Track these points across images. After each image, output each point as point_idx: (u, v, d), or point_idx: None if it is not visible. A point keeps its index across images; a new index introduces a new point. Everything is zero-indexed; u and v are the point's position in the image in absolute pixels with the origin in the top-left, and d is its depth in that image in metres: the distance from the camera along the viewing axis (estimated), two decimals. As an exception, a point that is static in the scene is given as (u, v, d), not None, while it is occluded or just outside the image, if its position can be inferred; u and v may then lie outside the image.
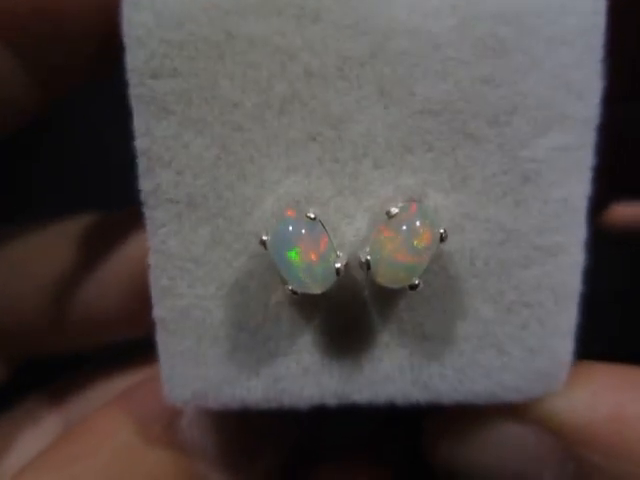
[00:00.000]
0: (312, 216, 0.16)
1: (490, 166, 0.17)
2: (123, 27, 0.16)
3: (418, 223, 0.16)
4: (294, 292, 0.16)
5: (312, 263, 0.16)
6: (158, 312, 0.17)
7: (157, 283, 0.17)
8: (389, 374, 0.18)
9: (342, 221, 0.17)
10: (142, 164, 0.16)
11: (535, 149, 0.17)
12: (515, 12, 0.16)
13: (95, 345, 0.23)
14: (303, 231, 0.16)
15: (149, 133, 0.16)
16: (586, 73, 0.16)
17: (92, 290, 0.22)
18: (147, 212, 0.17)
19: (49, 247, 0.23)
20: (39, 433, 0.21)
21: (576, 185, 0.17)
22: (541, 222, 0.17)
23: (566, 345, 0.18)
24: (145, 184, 0.17)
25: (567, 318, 0.18)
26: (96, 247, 0.22)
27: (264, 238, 0.16)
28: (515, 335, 0.18)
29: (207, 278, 0.17)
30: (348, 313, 0.18)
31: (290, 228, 0.15)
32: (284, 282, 0.16)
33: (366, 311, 0.18)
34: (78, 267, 0.22)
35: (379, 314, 0.18)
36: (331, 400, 0.18)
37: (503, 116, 0.16)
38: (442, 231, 0.16)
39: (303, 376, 0.18)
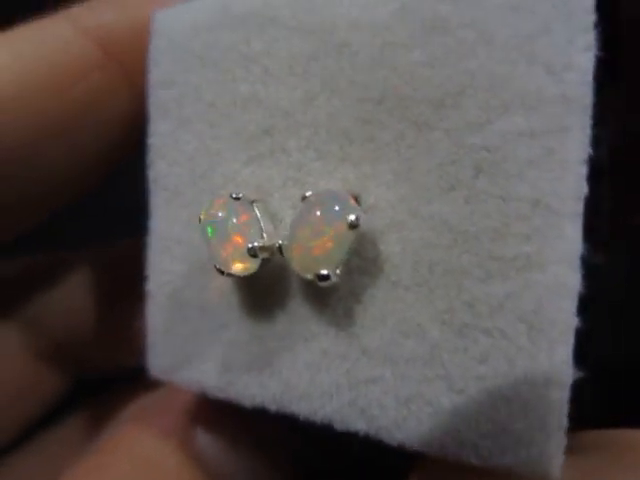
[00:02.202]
0: (236, 196, 0.13)
1: (436, 156, 0.11)
2: (149, 53, 0.16)
3: (319, 212, 0.11)
4: (220, 271, 0.13)
5: (231, 243, 0.12)
6: (148, 285, 0.16)
7: (150, 259, 0.16)
8: (326, 390, 0.13)
9: (286, 211, 0.13)
10: (149, 157, 0.16)
11: (488, 135, 0.11)
12: None
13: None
14: (224, 210, 0.12)
15: (155, 132, 0.16)
16: (558, 42, 0.10)
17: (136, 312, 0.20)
18: (150, 197, 0.16)
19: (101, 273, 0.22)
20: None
21: (551, 182, 0.11)
22: (500, 225, 0.11)
23: (551, 402, 0.10)
24: (150, 174, 0.16)
25: (550, 362, 0.10)
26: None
27: (201, 216, 0.13)
28: (470, 369, 0.11)
29: (183, 257, 0.15)
30: (286, 307, 0.13)
31: (215, 210, 0.13)
32: (213, 261, 0.13)
33: (303, 309, 0.13)
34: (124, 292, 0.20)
35: (317, 314, 0.13)
36: (271, 405, 0.13)
37: (449, 99, 0.11)
38: (352, 218, 0.11)
39: (246, 372, 0.14)
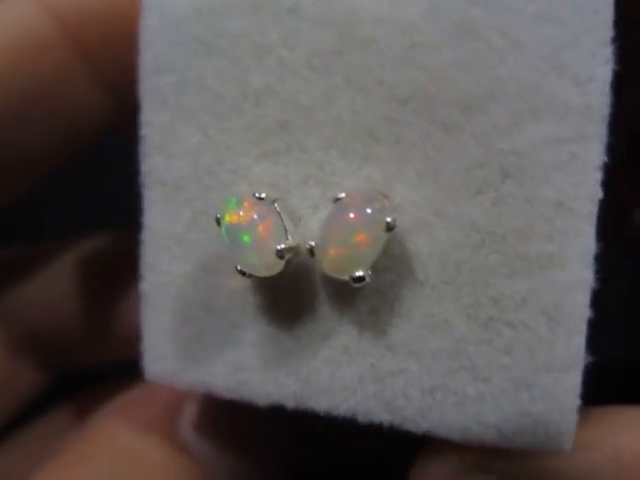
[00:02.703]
0: (261, 196, 0.12)
1: (463, 158, 0.12)
2: (140, 33, 0.14)
3: (353, 214, 0.11)
4: (242, 273, 0.12)
5: (257, 243, 0.12)
6: (143, 286, 0.14)
7: (144, 259, 0.15)
8: (348, 383, 0.13)
9: (306, 210, 0.13)
10: (143, 149, 0.14)
11: (516, 140, 0.11)
12: None
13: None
14: (252, 212, 0.12)
15: (150, 122, 0.14)
16: (584, 55, 0.11)
17: (124, 305, 0.19)
18: (144, 192, 0.14)
19: (82, 263, 0.21)
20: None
21: (574, 186, 0.11)
22: (526, 226, 0.11)
23: (567, 386, 0.11)
24: (144, 167, 0.14)
25: (567, 350, 0.11)
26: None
27: (218, 216, 0.12)
28: (495, 360, 0.12)
29: (184, 257, 0.14)
30: (306, 307, 0.13)
31: (238, 209, 0.12)
32: (234, 262, 0.12)
33: (324, 308, 0.13)
34: (111, 282, 0.19)
35: (339, 313, 0.13)
36: (289, 402, 0.13)
37: (477, 103, 0.11)
38: (389, 220, 0.11)
39: (262, 370, 0.13)
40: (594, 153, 0.12)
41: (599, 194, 0.12)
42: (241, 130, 0.14)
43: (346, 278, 0.12)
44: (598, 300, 0.13)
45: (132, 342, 0.16)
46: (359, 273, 0.12)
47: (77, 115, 0.17)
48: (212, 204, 0.14)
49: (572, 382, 0.12)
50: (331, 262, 0.12)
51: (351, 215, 0.12)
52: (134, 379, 0.17)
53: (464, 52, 0.12)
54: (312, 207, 0.13)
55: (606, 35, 0.11)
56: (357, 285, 0.12)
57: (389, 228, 0.12)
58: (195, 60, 0.14)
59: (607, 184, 0.12)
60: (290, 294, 0.14)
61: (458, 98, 0.12)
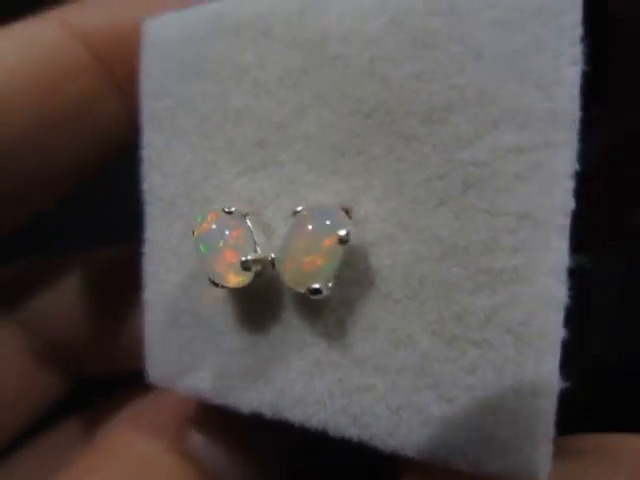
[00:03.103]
0: (228, 210, 0.13)
1: (425, 170, 0.12)
2: (141, 63, 0.16)
3: (310, 226, 0.11)
4: (214, 283, 0.13)
5: (222, 255, 0.13)
6: (145, 294, 0.16)
7: (146, 269, 0.16)
8: (319, 396, 0.13)
9: (278, 223, 0.13)
10: (144, 168, 0.16)
11: (477, 150, 0.11)
12: (445, 2, 0.11)
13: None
14: (217, 226, 0.13)
15: (149, 143, 0.16)
16: (547, 58, 0.10)
17: (133, 316, 0.20)
18: (145, 208, 0.16)
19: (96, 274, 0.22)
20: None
21: (539, 196, 0.11)
22: (488, 238, 0.11)
23: (538, 411, 0.11)
24: (145, 184, 0.16)
25: (537, 373, 0.11)
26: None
27: (193, 229, 0.13)
28: (459, 379, 0.11)
29: (177, 268, 0.15)
30: (279, 318, 0.14)
31: (205, 222, 0.13)
32: (207, 273, 0.13)
33: (296, 319, 0.13)
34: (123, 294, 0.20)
35: (310, 326, 0.13)
36: (266, 411, 0.14)
37: (437, 114, 0.11)
38: (342, 233, 0.11)
39: (243, 378, 0.14)
40: (562, 161, 0.11)
41: (570, 205, 0.11)
42: (224, 148, 0.15)
43: (304, 290, 0.12)
44: (593, 302, 0.12)
45: (140, 353, 0.16)
46: (315, 285, 0.12)
47: (102, 136, 0.18)
48: (199, 218, 0.15)
49: (543, 407, 0.11)
50: (289, 274, 0.12)
51: (306, 228, 0.12)
52: (146, 388, 0.18)
53: (424, 63, 0.12)
54: (283, 220, 0.14)
55: (573, 35, 0.11)
56: (315, 297, 0.12)
57: (342, 241, 0.12)
58: (186, 84, 0.15)
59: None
60: (264, 304, 0.14)
61: (418, 110, 0.12)
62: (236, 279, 0.13)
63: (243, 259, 0.13)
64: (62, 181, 0.18)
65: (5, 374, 0.21)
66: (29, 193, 0.18)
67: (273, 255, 0.13)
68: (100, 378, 0.23)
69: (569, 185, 0.11)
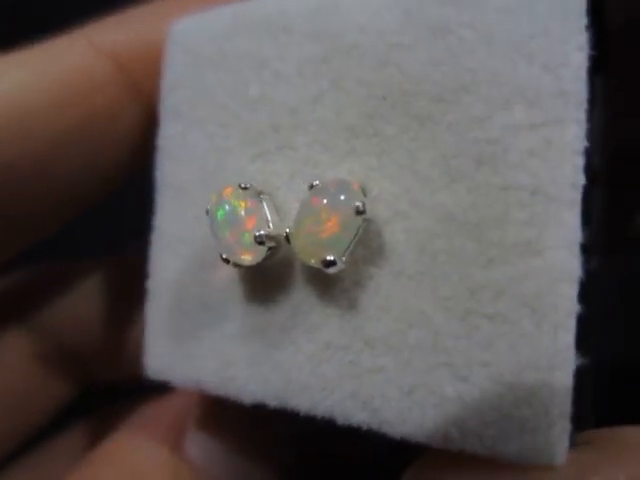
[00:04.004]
0: (244, 186, 0.13)
1: (438, 148, 0.12)
2: (164, 58, 0.16)
3: (326, 199, 0.12)
4: (226, 261, 0.13)
5: (237, 230, 0.13)
6: (149, 283, 0.16)
7: (152, 257, 0.16)
8: (328, 383, 0.13)
9: (292, 204, 0.14)
10: (157, 158, 0.16)
11: (489, 128, 0.12)
12: None
13: None
14: (233, 200, 0.13)
15: (165, 134, 0.16)
16: (554, 43, 0.11)
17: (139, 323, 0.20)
18: (156, 197, 0.16)
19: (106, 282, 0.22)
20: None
21: (550, 171, 0.11)
22: (501, 213, 0.11)
23: (556, 387, 0.11)
24: (157, 173, 0.16)
25: (554, 347, 0.11)
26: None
27: (208, 207, 0.13)
28: (474, 356, 0.11)
29: (185, 255, 0.15)
30: (289, 299, 0.14)
31: (221, 197, 0.13)
32: (219, 250, 0.13)
33: (307, 300, 0.13)
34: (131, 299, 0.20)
35: (321, 307, 0.13)
36: (271, 400, 0.13)
37: (450, 95, 0.12)
38: (358, 204, 0.11)
39: (249, 364, 0.14)
40: (571, 138, 0.11)
41: (581, 180, 0.11)
42: (239, 135, 0.15)
43: (317, 263, 0.12)
44: (597, 301, 0.12)
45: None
46: (330, 257, 0.12)
47: (126, 148, 0.19)
48: (211, 203, 0.15)
49: (561, 382, 0.11)
50: (303, 247, 0.13)
51: (321, 200, 0.12)
52: (153, 395, 0.18)
53: (437, 49, 0.13)
54: (297, 201, 0.14)
55: (579, 23, 0.12)
56: (330, 270, 0.12)
57: (358, 212, 0.12)
58: (206, 77, 0.16)
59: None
60: (274, 286, 0.14)
61: (432, 91, 0.13)
62: (249, 256, 0.13)
63: (257, 234, 0.13)
64: (87, 193, 0.18)
65: (13, 378, 0.21)
66: (56, 204, 0.18)
67: (288, 230, 0.13)
68: (108, 384, 0.22)
69: (579, 161, 0.11)
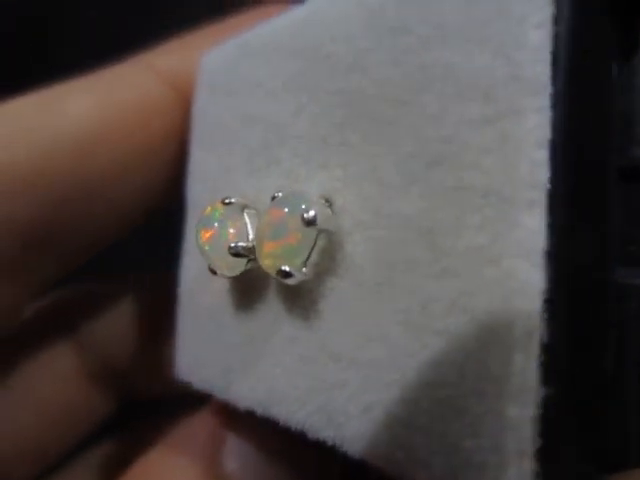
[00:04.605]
0: (231, 201, 0.14)
1: (398, 153, 0.12)
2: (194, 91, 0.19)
3: (284, 209, 0.12)
4: (213, 272, 0.15)
5: (216, 242, 0.14)
6: (179, 288, 0.18)
7: (181, 267, 0.18)
8: (300, 394, 0.13)
9: (275, 218, 0.15)
10: (187, 180, 0.18)
11: (443, 126, 0.11)
12: None
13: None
14: (217, 217, 0.14)
15: (192, 158, 0.18)
16: (510, 24, 0.10)
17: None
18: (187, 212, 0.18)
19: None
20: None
21: (504, 168, 0.10)
22: (453, 218, 0.11)
23: (510, 420, 0.10)
24: (187, 193, 0.18)
25: (504, 371, 0.10)
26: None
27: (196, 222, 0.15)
28: (423, 376, 0.11)
29: (198, 265, 0.17)
30: (270, 310, 0.14)
31: (207, 215, 0.14)
32: (206, 261, 0.15)
33: (283, 312, 0.14)
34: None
35: (294, 320, 0.14)
36: (257, 408, 0.14)
37: (407, 95, 0.12)
38: (311, 214, 0.12)
39: (242, 374, 0.15)
40: (530, 129, 0.10)
41: (542, 178, 0.10)
42: (239, 153, 0.16)
43: (275, 274, 0.13)
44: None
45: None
46: (285, 267, 0.12)
47: (177, 173, 0.20)
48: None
49: (515, 415, 0.10)
50: (263, 257, 0.13)
51: (278, 212, 0.13)
52: (191, 413, 0.18)
53: (398, 49, 0.12)
54: None
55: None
56: (288, 281, 0.13)
57: (309, 222, 0.12)
58: (219, 104, 0.18)
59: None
60: (257, 296, 0.15)
61: (393, 94, 0.12)
62: (230, 267, 0.14)
63: (232, 245, 0.14)
64: (139, 215, 0.20)
65: (59, 391, 0.22)
66: (112, 227, 0.20)
67: (254, 243, 0.13)
68: (146, 399, 0.23)
69: (539, 156, 0.10)
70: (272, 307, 0.14)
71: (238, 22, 0.19)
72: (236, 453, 0.17)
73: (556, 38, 0.10)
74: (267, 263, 0.13)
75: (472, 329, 0.10)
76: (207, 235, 0.14)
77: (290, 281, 0.12)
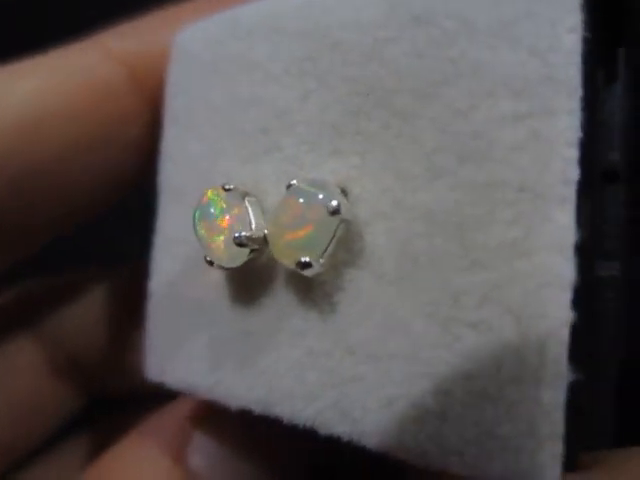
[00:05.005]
0: (230, 187, 0.13)
1: (421, 145, 0.12)
2: (167, 67, 0.17)
3: (302, 199, 0.12)
4: (210, 263, 0.13)
5: (217, 233, 0.13)
6: (150, 284, 0.16)
7: (153, 258, 0.16)
8: (310, 390, 0.12)
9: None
10: (159, 161, 0.17)
11: (473, 121, 0.11)
12: None
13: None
14: (217, 203, 0.13)
15: (166, 137, 0.17)
16: (541, 25, 0.10)
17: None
18: (159, 198, 0.17)
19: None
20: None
21: (537, 165, 0.10)
22: (485, 212, 0.11)
23: (543, 404, 0.10)
24: (159, 176, 0.17)
25: (540, 359, 0.10)
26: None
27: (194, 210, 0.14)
28: (456, 368, 0.11)
29: (182, 256, 0.16)
30: (274, 303, 0.13)
31: (205, 202, 0.13)
32: (204, 252, 0.13)
33: (290, 304, 0.13)
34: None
35: (303, 311, 0.13)
36: (255, 407, 0.13)
37: (433, 88, 0.12)
38: (334, 204, 0.11)
39: (236, 369, 0.14)
40: (562, 129, 0.10)
41: (573, 175, 0.10)
42: (231, 137, 0.15)
43: (293, 265, 0.12)
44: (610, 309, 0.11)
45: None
46: (305, 259, 0.12)
47: (134, 156, 0.19)
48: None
49: (550, 400, 0.10)
50: (281, 248, 0.12)
51: (299, 200, 0.12)
52: (158, 405, 0.18)
53: (421, 41, 0.12)
54: None
55: (571, 2, 0.11)
56: (306, 272, 0.12)
57: (333, 212, 0.12)
58: (202, 83, 0.16)
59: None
60: (259, 289, 0.14)
61: (415, 86, 0.12)
62: (231, 258, 0.13)
63: (237, 235, 0.13)
64: (99, 198, 0.19)
65: (22, 387, 0.21)
66: (68, 210, 0.18)
67: (266, 230, 0.13)
68: (116, 395, 0.22)
69: (570, 154, 0.10)
70: (278, 300, 0.14)
71: (196, 6, 0.18)
72: (202, 450, 0.16)
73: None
74: (284, 253, 0.12)
75: (506, 321, 0.10)
76: (206, 223, 0.13)
77: (308, 272, 0.12)
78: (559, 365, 0.10)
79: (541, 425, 0.10)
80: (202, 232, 0.13)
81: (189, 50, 0.17)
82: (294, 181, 0.13)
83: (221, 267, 0.14)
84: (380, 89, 0.12)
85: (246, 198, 0.14)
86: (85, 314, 0.22)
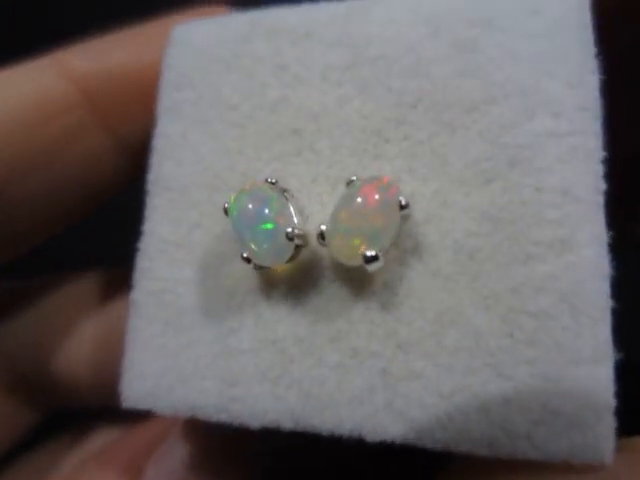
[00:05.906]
0: (273, 181, 0.12)
1: (470, 153, 0.13)
2: (163, 58, 0.16)
3: (367, 195, 0.11)
4: (247, 260, 0.12)
5: (266, 230, 0.12)
6: (134, 295, 0.14)
7: (139, 265, 0.14)
8: (356, 393, 0.12)
9: (315, 207, 0.13)
10: (153, 159, 0.15)
11: (520, 135, 0.12)
12: (483, 17, 0.13)
13: None
14: (261, 198, 0.12)
15: (164, 133, 0.15)
16: (573, 64, 0.12)
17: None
18: (147, 200, 0.15)
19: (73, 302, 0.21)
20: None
21: (577, 175, 0.12)
22: (536, 211, 0.12)
23: (600, 380, 0.11)
24: (151, 175, 0.15)
25: (595, 340, 0.11)
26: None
27: (226, 206, 0.12)
28: (518, 354, 0.11)
29: (184, 260, 0.14)
30: (310, 305, 0.13)
31: (248, 197, 0.12)
32: (241, 249, 0.12)
33: (331, 305, 0.12)
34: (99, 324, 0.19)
35: (347, 311, 0.12)
36: (286, 422, 0.12)
37: (480, 105, 0.13)
38: (402, 201, 0.11)
39: (259, 382, 0.12)
40: (593, 147, 0.12)
41: (603, 185, 0.12)
42: (255, 136, 0.15)
43: (356, 263, 0.12)
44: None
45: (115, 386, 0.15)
46: (371, 252, 0.12)
47: (92, 171, 0.18)
48: (219, 206, 0.14)
49: (604, 376, 0.11)
50: (342, 246, 0.12)
51: (364, 197, 0.12)
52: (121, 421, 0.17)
53: (465, 63, 0.13)
54: (320, 203, 0.14)
55: (591, 49, 0.13)
56: (372, 267, 0.12)
57: (402, 207, 0.12)
58: (213, 77, 0.16)
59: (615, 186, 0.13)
60: (293, 292, 0.13)
61: (462, 101, 0.13)
62: (276, 253, 0.12)
63: (289, 230, 0.12)
64: (56, 212, 0.18)
65: None
66: (20, 225, 0.17)
67: (323, 227, 0.12)
68: (75, 410, 0.21)
69: (600, 168, 0.12)
70: (313, 302, 0.13)
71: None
72: (159, 473, 0.16)
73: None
74: (345, 250, 0.12)
75: (562, 308, 0.12)
76: (245, 219, 0.13)
77: (372, 267, 0.12)
78: (608, 345, 0.11)
79: (599, 398, 0.11)
80: (240, 228, 0.12)
81: (196, 45, 0.16)
82: (354, 177, 0.13)
83: (258, 266, 0.13)
84: (427, 102, 0.14)
85: (285, 194, 0.13)
86: (35, 326, 0.19)
